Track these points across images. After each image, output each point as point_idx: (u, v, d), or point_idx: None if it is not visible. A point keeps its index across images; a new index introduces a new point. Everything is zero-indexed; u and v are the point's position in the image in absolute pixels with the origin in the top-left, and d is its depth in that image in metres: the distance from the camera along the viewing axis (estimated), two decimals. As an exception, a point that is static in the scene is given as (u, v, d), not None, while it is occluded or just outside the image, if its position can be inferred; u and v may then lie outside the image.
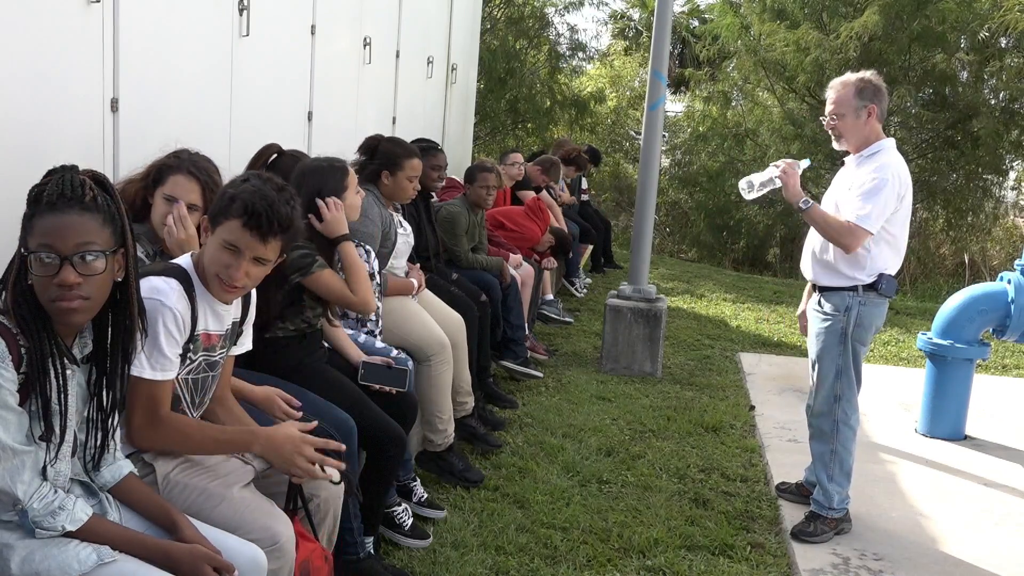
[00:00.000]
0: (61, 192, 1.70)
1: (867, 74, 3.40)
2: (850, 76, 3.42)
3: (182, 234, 2.50)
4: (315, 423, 2.31)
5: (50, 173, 1.74)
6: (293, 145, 3.67)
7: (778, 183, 3.42)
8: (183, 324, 2.09)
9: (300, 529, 2.25)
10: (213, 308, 2.20)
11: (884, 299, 3.41)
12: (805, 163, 3.46)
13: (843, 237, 3.28)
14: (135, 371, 2.01)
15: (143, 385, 2.05)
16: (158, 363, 2.05)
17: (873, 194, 3.24)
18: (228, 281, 2.11)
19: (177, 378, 2.14)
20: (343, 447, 2.29)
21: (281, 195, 2.13)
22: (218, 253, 2.11)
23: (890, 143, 3.41)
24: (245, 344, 2.42)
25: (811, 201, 3.34)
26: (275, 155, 3.22)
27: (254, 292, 2.37)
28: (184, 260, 2.20)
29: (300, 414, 2.60)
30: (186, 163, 2.59)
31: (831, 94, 3.41)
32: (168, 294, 2.06)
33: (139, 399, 2.06)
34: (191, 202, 2.56)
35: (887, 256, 3.38)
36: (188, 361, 2.16)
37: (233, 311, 2.29)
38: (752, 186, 3.47)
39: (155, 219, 2.57)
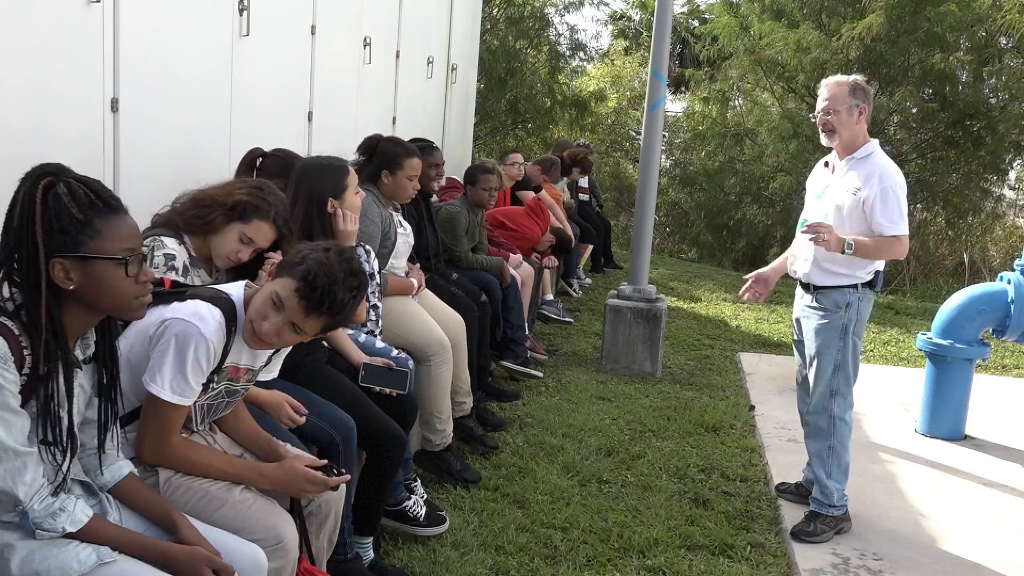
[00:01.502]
0: (111, 194, 1.76)
1: (859, 77, 3.49)
2: (843, 76, 3.50)
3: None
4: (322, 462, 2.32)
5: (48, 174, 1.72)
6: (293, 145, 3.67)
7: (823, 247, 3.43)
8: (213, 356, 2.07)
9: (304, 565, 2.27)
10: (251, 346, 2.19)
11: (875, 294, 3.52)
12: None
13: (893, 252, 3.39)
14: (154, 389, 2.01)
15: (160, 405, 2.04)
16: (178, 387, 2.03)
17: (891, 203, 3.35)
18: (259, 332, 2.08)
19: (194, 403, 2.13)
20: (345, 475, 2.34)
21: (348, 280, 2.07)
22: (264, 302, 2.09)
23: (876, 144, 3.49)
24: (272, 372, 2.41)
25: (852, 241, 3.36)
26: (260, 158, 3.22)
27: None
28: (236, 292, 2.17)
29: (303, 420, 2.60)
30: (273, 212, 2.57)
31: (824, 91, 3.48)
32: (208, 323, 2.04)
33: (154, 417, 2.06)
34: (264, 247, 2.59)
35: None
36: (210, 389, 2.16)
37: (267, 351, 2.27)
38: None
39: (223, 249, 2.56)
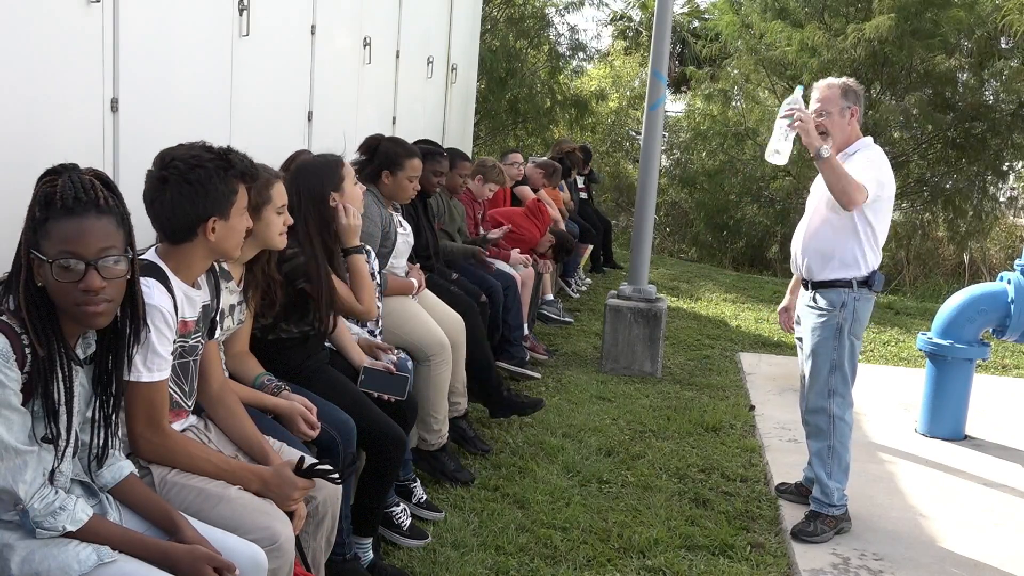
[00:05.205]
0: (75, 195, 1.69)
1: (849, 80, 3.52)
2: (835, 79, 3.54)
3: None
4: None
5: (52, 173, 1.73)
6: (293, 145, 3.67)
7: (793, 132, 3.37)
8: (171, 320, 2.08)
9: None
10: (188, 296, 2.20)
11: (873, 294, 3.51)
12: (799, 90, 3.42)
13: (850, 191, 3.27)
14: (132, 376, 2.00)
15: (141, 388, 2.04)
16: (153, 364, 2.04)
17: (872, 167, 3.35)
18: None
19: None
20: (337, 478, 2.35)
21: (201, 154, 2.14)
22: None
23: (870, 140, 3.52)
24: (237, 317, 2.61)
25: (829, 149, 3.30)
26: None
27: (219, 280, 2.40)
28: (151, 255, 2.17)
29: (316, 433, 2.60)
30: (261, 170, 2.56)
31: (816, 93, 3.52)
32: (151, 294, 2.04)
33: (139, 403, 2.05)
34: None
35: (875, 252, 3.49)
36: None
37: (203, 295, 2.28)
38: (779, 153, 3.41)
39: (275, 231, 2.58)
